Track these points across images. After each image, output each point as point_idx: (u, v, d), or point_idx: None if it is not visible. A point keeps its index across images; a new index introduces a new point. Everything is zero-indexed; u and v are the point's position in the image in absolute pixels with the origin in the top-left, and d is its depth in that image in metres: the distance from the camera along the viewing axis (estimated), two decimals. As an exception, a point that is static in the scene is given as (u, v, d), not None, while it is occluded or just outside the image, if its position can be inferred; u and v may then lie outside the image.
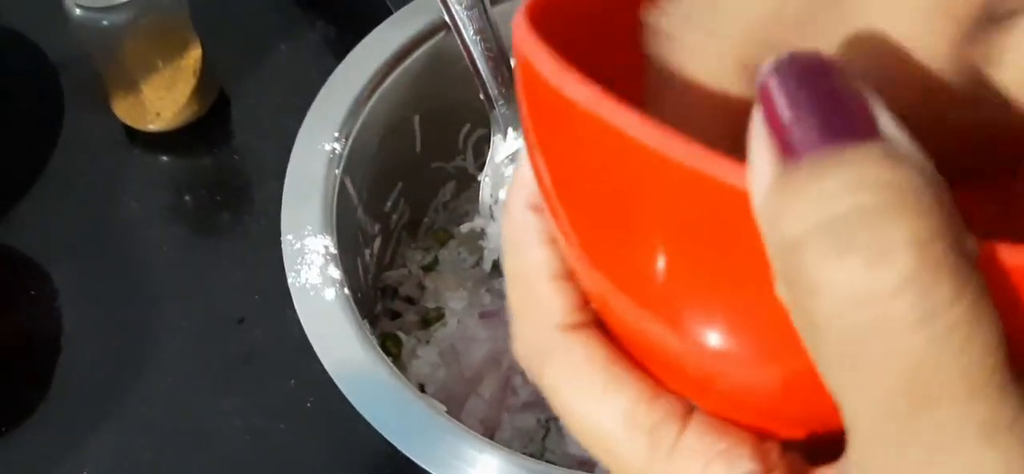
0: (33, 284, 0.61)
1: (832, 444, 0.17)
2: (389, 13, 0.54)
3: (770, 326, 0.16)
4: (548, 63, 0.17)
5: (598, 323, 0.20)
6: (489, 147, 0.55)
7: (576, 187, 0.18)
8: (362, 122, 0.49)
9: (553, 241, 0.20)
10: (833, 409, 0.15)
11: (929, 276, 0.13)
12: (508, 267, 0.21)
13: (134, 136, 0.69)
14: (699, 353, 0.17)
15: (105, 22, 0.61)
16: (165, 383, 0.57)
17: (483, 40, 0.50)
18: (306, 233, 0.44)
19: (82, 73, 0.74)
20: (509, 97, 0.53)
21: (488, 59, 0.50)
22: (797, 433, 0.18)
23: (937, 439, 0.14)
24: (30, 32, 0.76)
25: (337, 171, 0.46)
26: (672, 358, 0.18)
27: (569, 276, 0.20)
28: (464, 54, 0.50)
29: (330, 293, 0.42)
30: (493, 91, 0.52)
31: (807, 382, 0.15)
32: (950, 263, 0.13)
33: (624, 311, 0.18)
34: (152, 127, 0.67)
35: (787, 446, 0.18)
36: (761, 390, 0.18)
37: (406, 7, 0.53)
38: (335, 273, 0.43)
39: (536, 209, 0.20)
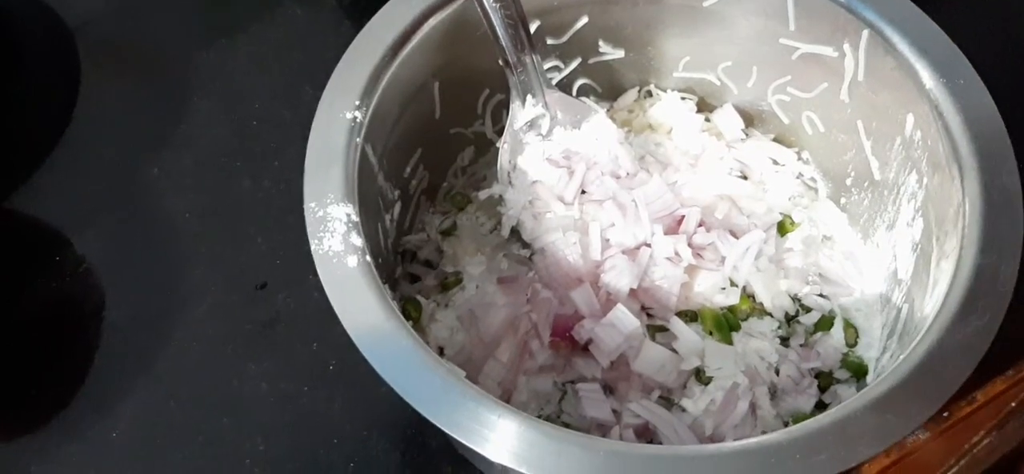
0: (58, 253, 0.62)
1: None
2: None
3: None
4: None
5: None
6: (507, 113, 0.55)
7: None
8: (382, 89, 0.49)
9: None
10: None
11: None
12: None
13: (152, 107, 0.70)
14: None
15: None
16: (192, 348, 0.57)
17: (502, 6, 0.50)
18: (329, 201, 0.44)
19: (97, 36, 0.74)
20: (528, 63, 0.52)
21: (507, 25, 0.50)
22: None
23: None
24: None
25: (358, 139, 0.46)
26: None
27: None
28: (483, 20, 0.50)
29: (352, 260, 0.42)
30: (512, 57, 0.52)
31: None
32: None
33: None
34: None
35: None
36: None
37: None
38: (357, 241, 0.43)
39: None
